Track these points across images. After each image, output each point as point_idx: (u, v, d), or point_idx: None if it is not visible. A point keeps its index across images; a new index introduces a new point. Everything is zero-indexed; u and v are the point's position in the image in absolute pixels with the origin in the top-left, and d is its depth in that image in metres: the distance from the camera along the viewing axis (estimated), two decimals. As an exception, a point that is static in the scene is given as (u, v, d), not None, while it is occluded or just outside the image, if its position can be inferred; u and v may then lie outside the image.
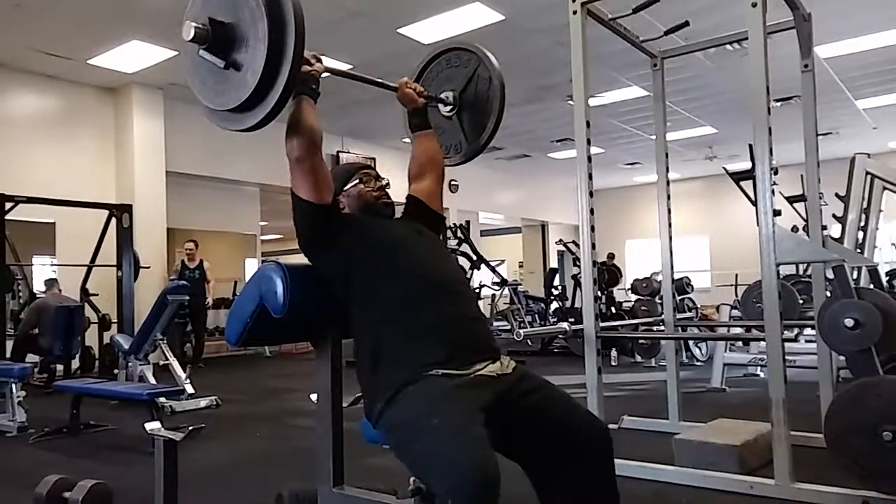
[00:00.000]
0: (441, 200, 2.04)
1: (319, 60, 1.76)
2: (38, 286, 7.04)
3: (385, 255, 1.73)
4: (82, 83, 7.92)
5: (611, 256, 9.48)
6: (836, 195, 4.14)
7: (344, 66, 6.10)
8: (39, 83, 7.63)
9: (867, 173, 3.98)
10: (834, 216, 4.18)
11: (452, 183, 11.23)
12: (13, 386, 4.35)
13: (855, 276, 4.11)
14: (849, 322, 2.95)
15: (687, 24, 3.56)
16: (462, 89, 2.20)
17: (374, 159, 10.37)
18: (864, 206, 4.11)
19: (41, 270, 7.68)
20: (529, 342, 8.42)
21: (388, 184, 1.96)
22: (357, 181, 1.91)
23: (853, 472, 2.50)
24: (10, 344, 6.03)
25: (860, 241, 4.16)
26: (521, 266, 16.32)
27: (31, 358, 6.00)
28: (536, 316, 9.68)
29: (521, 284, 10.43)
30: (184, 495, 2.09)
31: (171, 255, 8.94)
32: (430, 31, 6.60)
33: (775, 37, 3.19)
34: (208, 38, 1.57)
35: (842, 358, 3.82)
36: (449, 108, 2.22)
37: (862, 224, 4.13)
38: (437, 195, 2.03)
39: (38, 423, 4.30)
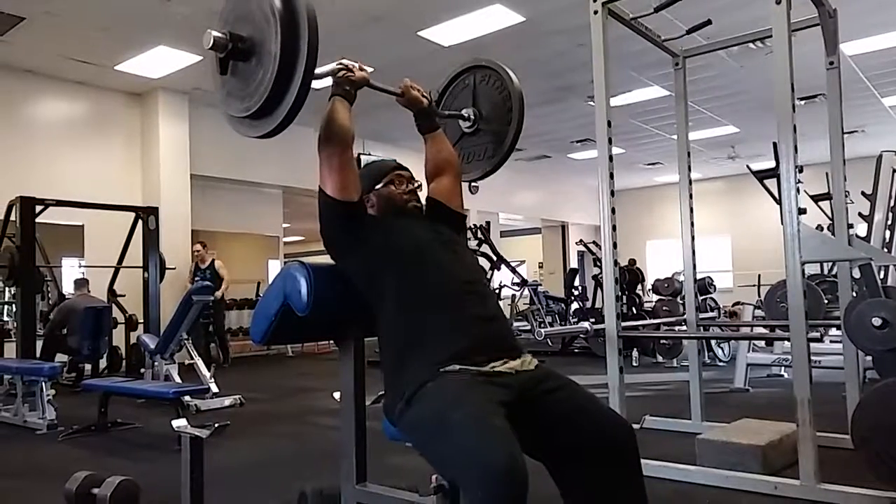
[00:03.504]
0: (461, 198, 2.05)
1: (363, 70, 1.81)
2: (67, 287, 7.17)
3: (406, 258, 1.75)
4: (109, 89, 8.08)
5: (632, 262, 9.39)
6: (863, 193, 4.08)
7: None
8: (68, 89, 7.79)
9: (894, 171, 3.91)
10: (860, 215, 4.12)
11: (473, 184, 11.22)
12: (43, 384, 4.44)
13: (882, 275, 4.04)
14: (876, 321, 2.92)
15: (709, 22, 3.53)
16: (482, 107, 2.24)
17: (394, 161, 10.40)
18: (892, 204, 4.04)
19: (70, 272, 7.82)
20: (550, 342, 8.40)
21: (419, 186, 1.97)
22: (388, 182, 1.92)
23: (881, 473, 2.46)
24: (39, 344, 6.15)
25: (887, 239, 4.10)
26: (540, 266, 16.26)
27: (60, 357, 6.10)
28: (556, 316, 9.63)
29: (540, 285, 10.38)
30: (209, 492, 2.13)
31: (196, 256, 9.05)
32: (451, 33, 6.61)
33: (799, 34, 3.15)
34: (227, 48, 1.63)
35: (868, 358, 3.77)
36: (468, 124, 2.25)
37: (889, 222, 4.07)
38: (457, 193, 2.04)
39: (67, 421, 4.38)
